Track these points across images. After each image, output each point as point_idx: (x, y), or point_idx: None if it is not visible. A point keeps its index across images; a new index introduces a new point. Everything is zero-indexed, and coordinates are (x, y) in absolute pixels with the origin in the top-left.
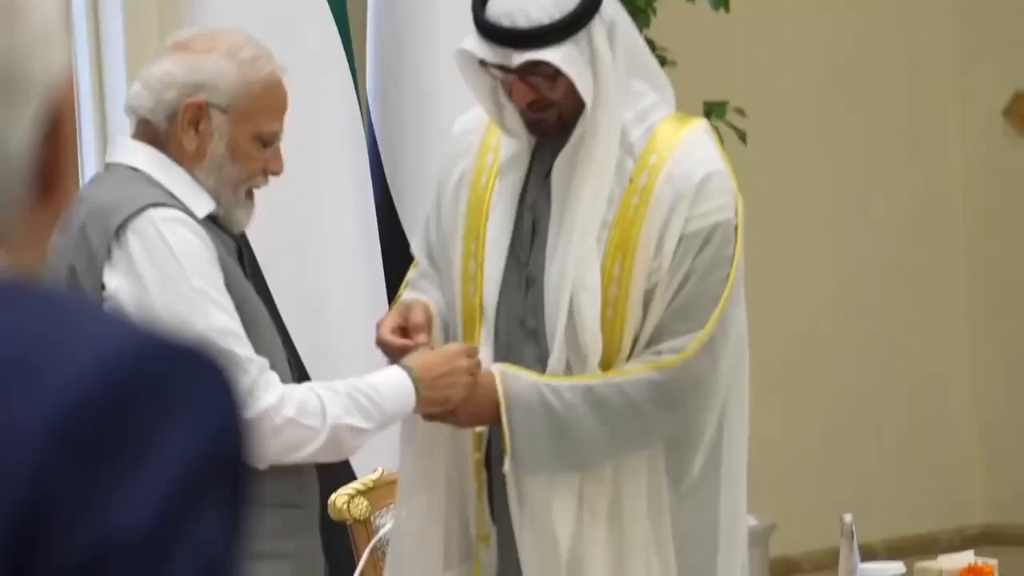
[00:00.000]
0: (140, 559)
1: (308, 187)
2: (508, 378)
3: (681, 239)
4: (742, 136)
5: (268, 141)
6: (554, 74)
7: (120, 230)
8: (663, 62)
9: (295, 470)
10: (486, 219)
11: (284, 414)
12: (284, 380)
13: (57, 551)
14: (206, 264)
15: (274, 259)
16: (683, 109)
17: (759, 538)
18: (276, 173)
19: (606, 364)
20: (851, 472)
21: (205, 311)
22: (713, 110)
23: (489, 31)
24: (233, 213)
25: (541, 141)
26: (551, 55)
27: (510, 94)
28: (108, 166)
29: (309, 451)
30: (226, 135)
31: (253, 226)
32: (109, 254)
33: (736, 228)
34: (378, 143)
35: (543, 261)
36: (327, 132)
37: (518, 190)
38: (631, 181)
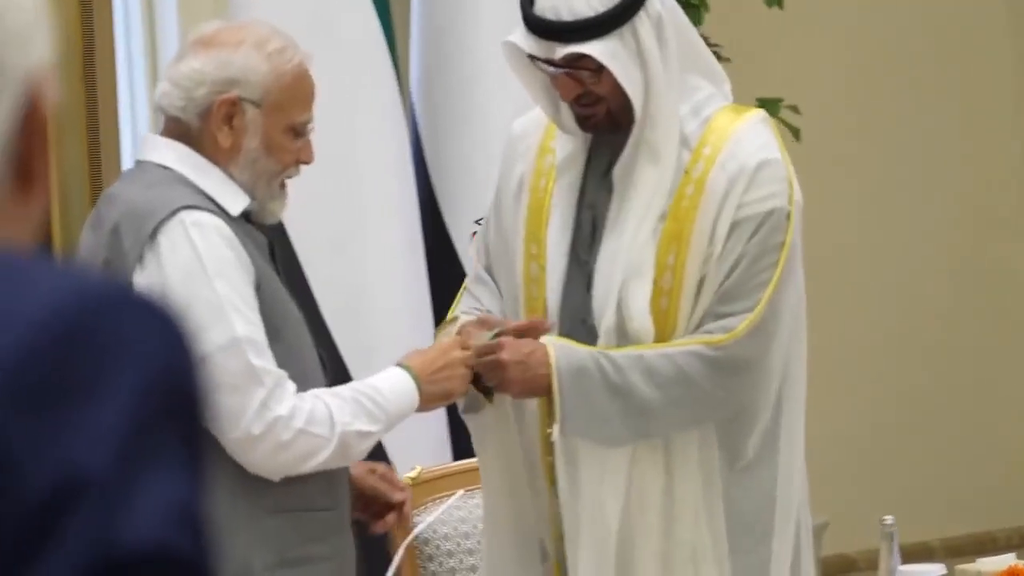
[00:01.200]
0: (99, 496)
1: (350, 182)
2: (559, 348)
3: (733, 225)
4: (795, 133)
5: (300, 132)
6: (598, 68)
7: (154, 234)
8: (717, 58)
9: (325, 473)
10: (547, 221)
11: (294, 426)
12: (314, 378)
13: (14, 497)
14: (232, 269)
15: (315, 255)
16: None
17: (812, 536)
18: (308, 162)
19: None
20: (907, 470)
21: (226, 318)
22: (767, 107)
23: (533, 24)
24: (268, 206)
25: (597, 139)
26: (592, 48)
27: (559, 96)
28: (139, 163)
29: (320, 460)
30: (260, 129)
31: (293, 222)
32: (141, 257)
33: (789, 216)
34: (421, 137)
35: (598, 256)
36: (369, 126)
37: (576, 189)
38: (686, 172)
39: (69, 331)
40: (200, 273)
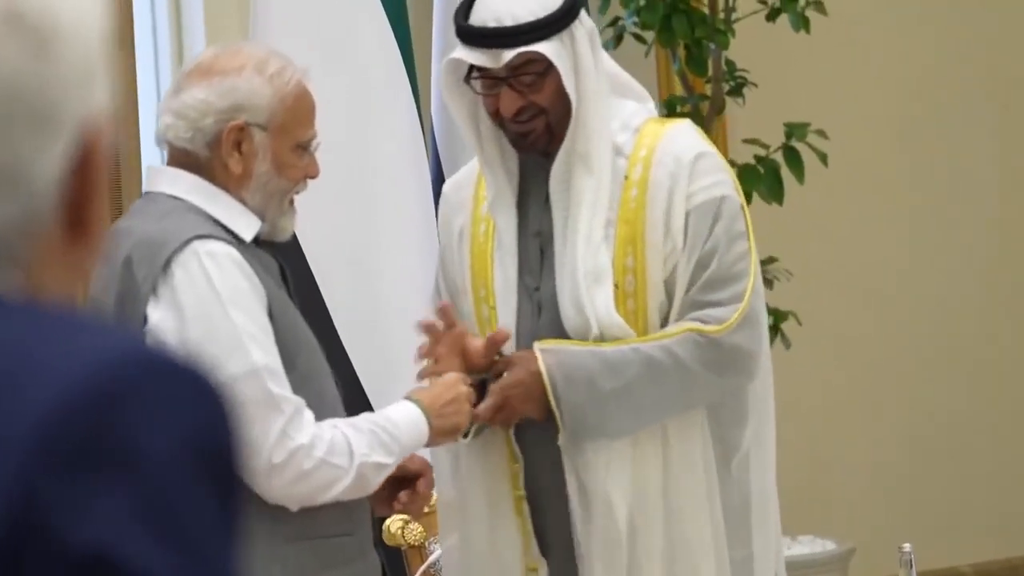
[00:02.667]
0: (131, 565)
1: (366, 200)
2: (548, 355)
3: (688, 214)
4: (823, 158)
5: (306, 148)
6: (543, 71)
7: (167, 264)
8: (743, 83)
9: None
10: (492, 262)
11: (315, 455)
12: (331, 406)
13: (46, 561)
14: (247, 298)
15: (331, 275)
16: (763, 131)
17: (838, 562)
18: (315, 177)
19: None
20: (938, 494)
21: (243, 347)
22: (794, 132)
23: (477, 33)
24: (279, 223)
25: (526, 170)
26: (540, 47)
27: (494, 113)
28: (147, 195)
29: (337, 491)
30: (269, 151)
31: (309, 240)
32: (155, 288)
33: (743, 207)
34: (440, 157)
35: (553, 280)
36: (386, 144)
37: (514, 223)
38: (626, 178)
39: (108, 394)
40: (216, 304)
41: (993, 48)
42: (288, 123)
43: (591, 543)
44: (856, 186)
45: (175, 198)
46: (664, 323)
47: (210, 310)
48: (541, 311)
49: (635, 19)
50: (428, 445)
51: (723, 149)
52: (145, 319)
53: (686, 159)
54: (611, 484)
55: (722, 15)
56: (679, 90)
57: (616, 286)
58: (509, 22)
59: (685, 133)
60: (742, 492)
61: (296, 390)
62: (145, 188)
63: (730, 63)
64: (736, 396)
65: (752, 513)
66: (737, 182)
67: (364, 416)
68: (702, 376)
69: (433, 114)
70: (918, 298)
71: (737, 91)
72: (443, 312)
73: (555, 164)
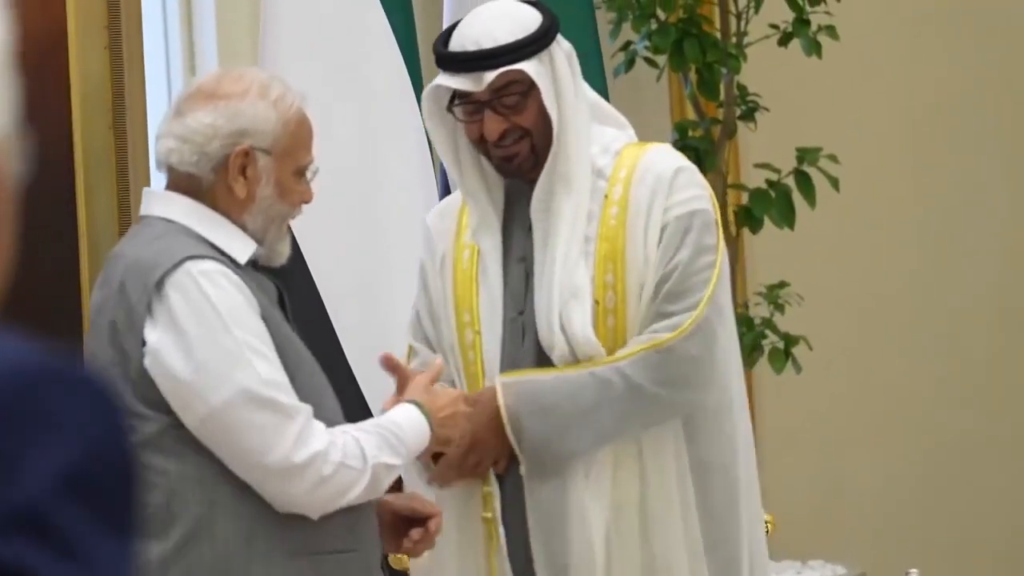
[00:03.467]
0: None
1: (376, 228)
2: (507, 389)
3: (663, 228)
4: (834, 183)
5: (305, 173)
6: (525, 92)
7: (159, 284)
8: (755, 108)
9: (347, 513)
10: (477, 288)
11: (332, 459)
12: (332, 418)
13: None
14: (246, 314)
15: (339, 298)
16: (775, 155)
17: None
18: (309, 202)
19: None
20: (948, 521)
21: (248, 362)
22: (806, 157)
23: (458, 58)
24: (276, 247)
25: (512, 197)
26: (522, 66)
27: (477, 140)
28: (142, 219)
29: (355, 494)
30: (272, 175)
31: (318, 265)
32: (150, 309)
33: (716, 222)
34: (448, 181)
35: (532, 300)
36: (396, 170)
37: (499, 249)
38: (606, 197)
39: None
40: (217, 322)
41: (1005, 73)
42: (291, 148)
43: (569, 561)
44: (868, 210)
45: (169, 221)
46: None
47: (212, 329)
48: (525, 336)
49: (647, 43)
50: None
51: (735, 173)
52: (143, 342)
53: (666, 175)
54: (588, 499)
55: (734, 39)
56: (691, 114)
57: (597, 303)
58: (489, 44)
59: (664, 152)
60: (724, 498)
61: None
62: (142, 212)
63: (742, 87)
64: (705, 410)
65: (740, 515)
66: (714, 197)
67: (369, 420)
68: (655, 395)
69: None
70: (930, 322)
71: (749, 115)
72: (387, 362)
73: (536, 188)
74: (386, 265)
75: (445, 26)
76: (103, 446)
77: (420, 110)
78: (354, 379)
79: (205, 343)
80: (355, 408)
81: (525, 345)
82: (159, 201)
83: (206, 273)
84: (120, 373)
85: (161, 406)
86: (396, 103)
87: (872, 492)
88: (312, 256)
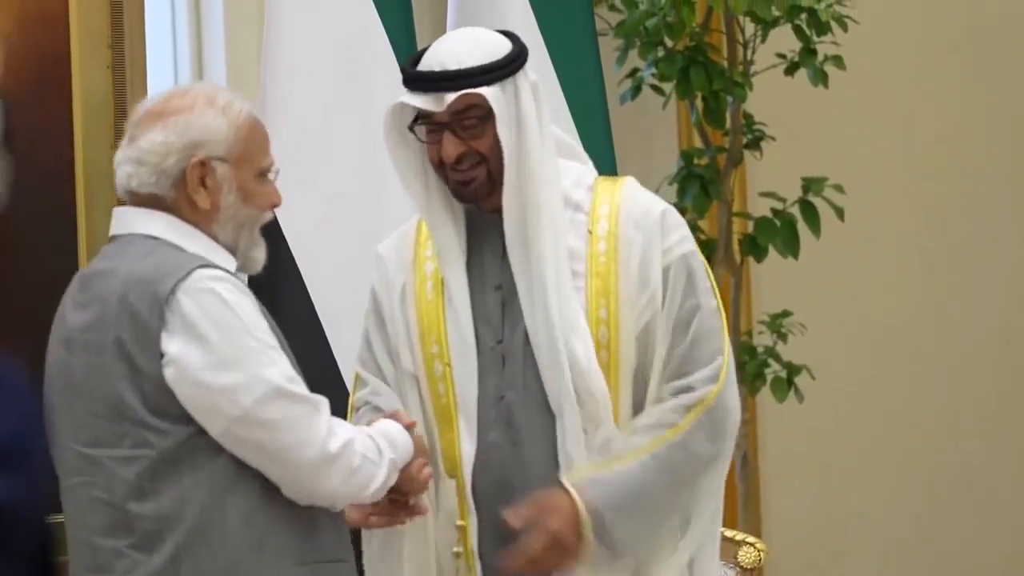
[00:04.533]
0: None
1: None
2: (581, 490)
3: (665, 270)
4: (839, 212)
5: (267, 175)
6: (484, 116)
7: (170, 296)
8: (761, 137)
9: (340, 522)
10: (444, 320)
11: (357, 450)
12: None
13: None
14: (259, 316)
15: (338, 321)
16: (780, 184)
17: None
18: (278, 205)
19: (604, 403)
20: (953, 550)
21: (273, 360)
22: (811, 186)
23: (421, 78)
24: (251, 254)
25: (476, 225)
26: (482, 91)
27: (437, 162)
28: (120, 238)
29: (375, 487)
30: (233, 182)
31: (320, 294)
32: (163, 320)
33: (704, 263)
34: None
35: (519, 332)
36: (396, 194)
37: (465, 279)
38: (590, 233)
39: None
40: (236, 324)
41: (1012, 103)
42: (247, 152)
43: None
44: (873, 240)
45: (153, 238)
46: (637, 375)
47: (233, 329)
48: (505, 364)
49: (653, 70)
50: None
51: (740, 201)
52: (161, 355)
53: (655, 214)
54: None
55: (740, 68)
56: (699, 142)
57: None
58: (453, 66)
59: (641, 189)
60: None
61: None
62: (114, 231)
63: (748, 116)
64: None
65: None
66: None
67: (362, 428)
68: (712, 452)
69: None
70: (934, 353)
71: (755, 144)
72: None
73: (506, 216)
74: None
75: None
76: None
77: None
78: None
79: (228, 345)
80: None
81: (507, 373)
82: (138, 219)
83: (217, 279)
84: (131, 388)
85: (181, 418)
86: None
87: (875, 520)
88: (310, 276)
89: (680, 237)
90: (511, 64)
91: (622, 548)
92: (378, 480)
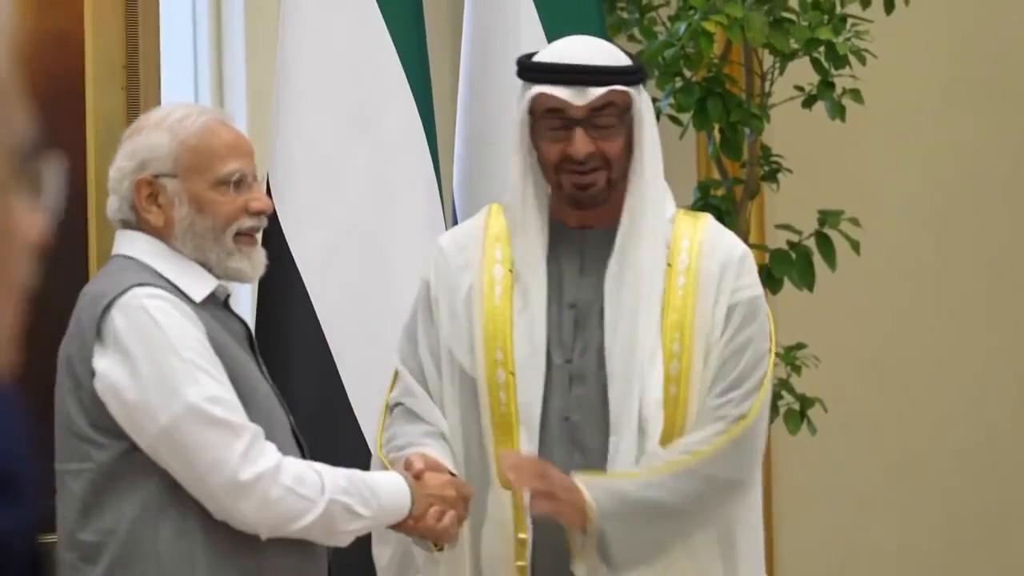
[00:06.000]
0: None
1: (386, 277)
2: (590, 486)
3: (730, 308)
4: (855, 246)
5: (234, 181)
6: (619, 117)
7: (106, 311)
8: (778, 169)
9: (298, 548)
10: (511, 327)
11: (280, 482)
12: (290, 454)
13: None
14: (191, 334)
15: (347, 350)
16: (797, 216)
17: None
18: (259, 210)
19: (667, 440)
20: None
21: (194, 379)
22: (827, 220)
23: (561, 70)
24: (228, 264)
25: (556, 240)
26: (629, 90)
27: (557, 162)
28: (111, 259)
29: (304, 523)
30: (184, 195)
31: (327, 317)
32: (99, 335)
33: (768, 309)
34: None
35: (591, 353)
36: (407, 224)
37: (545, 292)
38: (670, 266)
39: None
40: (161, 340)
41: None
42: (197, 163)
43: None
44: (888, 275)
45: (129, 258)
46: (699, 411)
47: (157, 348)
48: (573, 384)
49: (671, 101)
50: (402, 527)
51: (757, 234)
52: (93, 370)
53: (735, 255)
54: None
55: (758, 100)
56: (716, 173)
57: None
58: (596, 62)
59: (722, 228)
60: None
61: None
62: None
63: (765, 148)
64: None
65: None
66: None
67: (347, 470)
68: (735, 482)
69: (455, 188)
70: (949, 388)
71: (771, 176)
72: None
73: (621, 230)
74: (395, 314)
75: (461, 76)
76: None
77: (433, 163)
78: (358, 426)
79: (151, 362)
80: (358, 453)
81: (574, 394)
82: (125, 240)
83: (151, 296)
84: (75, 402)
85: (117, 432)
86: (410, 154)
87: (890, 557)
88: (320, 304)
89: (752, 280)
90: (639, 72)
91: (615, 553)
92: (309, 516)
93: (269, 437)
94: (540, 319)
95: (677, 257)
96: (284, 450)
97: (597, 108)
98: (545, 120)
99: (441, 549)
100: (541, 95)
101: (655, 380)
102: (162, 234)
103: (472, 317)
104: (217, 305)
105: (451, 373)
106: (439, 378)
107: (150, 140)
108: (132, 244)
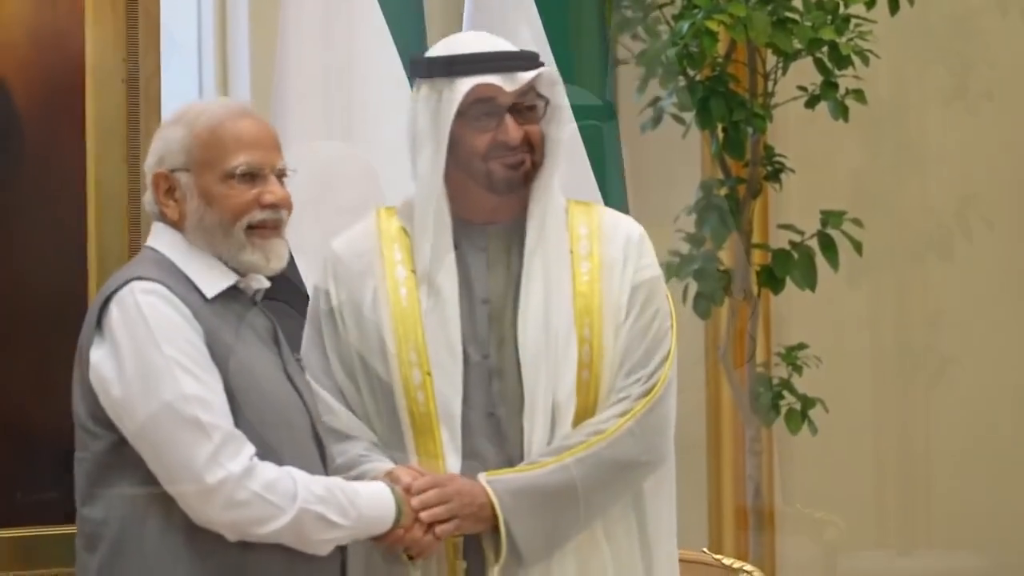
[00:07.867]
0: None
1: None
2: (495, 485)
3: (633, 289)
4: (858, 247)
5: (244, 174)
6: (537, 104)
7: (107, 302)
8: (780, 168)
9: (281, 551)
10: (423, 327)
11: (248, 487)
12: (280, 456)
13: None
14: (180, 331)
15: None
16: (799, 216)
17: None
18: (271, 204)
19: (578, 423)
20: None
21: (174, 377)
22: (830, 219)
23: (494, 57)
24: (243, 258)
25: (460, 238)
26: (549, 70)
27: (485, 150)
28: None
29: (270, 529)
30: (195, 189)
31: None
32: (99, 327)
33: (667, 289)
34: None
35: (508, 347)
36: None
37: (455, 289)
38: (571, 252)
39: None
40: (146, 336)
41: None
42: (208, 157)
43: None
44: (889, 275)
45: (154, 250)
46: (610, 396)
47: (142, 343)
48: (493, 379)
49: (673, 100)
50: (389, 540)
51: (760, 233)
52: (89, 360)
53: (634, 237)
54: None
55: (761, 99)
56: (719, 172)
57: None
58: (514, 48)
59: (616, 213)
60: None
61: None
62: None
63: (768, 147)
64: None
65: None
66: None
67: (330, 478)
68: (642, 463)
69: None
70: (950, 388)
71: (774, 176)
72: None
73: (530, 222)
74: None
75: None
76: None
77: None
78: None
79: (134, 357)
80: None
81: (495, 389)
82: (154, 232)
83: (146, 291)
84: (79, 390)
85: (107, 423)
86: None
87: (889, 555)
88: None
89: (651, 261)
90: (538, 55)
91: (531, 550)
92: (277, 523)
93: (281, 439)
94: (454, 316)
95: (577, 244)
96: (299, 452)
97: (523, 93)
98: (471, 110)
99: (412, 559)
100: (479, 85)
101: (569, 366)
102: (180, 228)
103: (380, 321)
104: (238, 300)
105: (368, 384)
106: (357, 391)
107: (166, 136)
108: (158, 237)
